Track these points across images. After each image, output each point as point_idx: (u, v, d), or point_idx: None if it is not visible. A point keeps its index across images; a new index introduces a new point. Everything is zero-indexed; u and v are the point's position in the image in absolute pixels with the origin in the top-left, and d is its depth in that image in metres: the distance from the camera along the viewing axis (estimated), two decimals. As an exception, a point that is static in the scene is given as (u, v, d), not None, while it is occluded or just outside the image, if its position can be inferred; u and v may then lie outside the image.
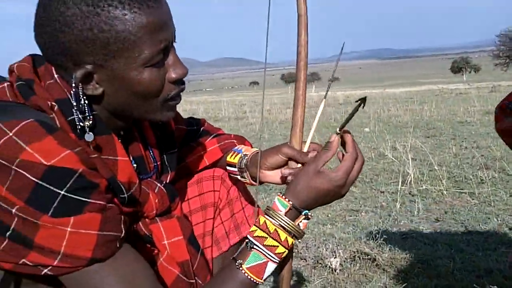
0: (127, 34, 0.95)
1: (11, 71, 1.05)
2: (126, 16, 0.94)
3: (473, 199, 3.81)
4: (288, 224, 1.07)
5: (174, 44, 1.06)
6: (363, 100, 1.07)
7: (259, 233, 1.07)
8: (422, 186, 4.17)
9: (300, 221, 1.09)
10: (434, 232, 3.16)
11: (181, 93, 1.10)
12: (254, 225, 1.09)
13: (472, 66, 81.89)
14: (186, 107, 17.81)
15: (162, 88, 1.03)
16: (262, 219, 1.09)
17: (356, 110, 1.06)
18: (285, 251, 1.08)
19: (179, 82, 1.07)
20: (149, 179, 1.17)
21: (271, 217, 1.08)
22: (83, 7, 0.93)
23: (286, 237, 1.07)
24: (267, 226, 1.07)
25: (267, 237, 1.07)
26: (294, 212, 1.09)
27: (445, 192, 3.99)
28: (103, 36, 0.94)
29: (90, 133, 0.99)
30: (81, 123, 0.98)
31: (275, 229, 1.07)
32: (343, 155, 1.10)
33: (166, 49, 1.01)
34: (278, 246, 1.07)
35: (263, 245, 1.06)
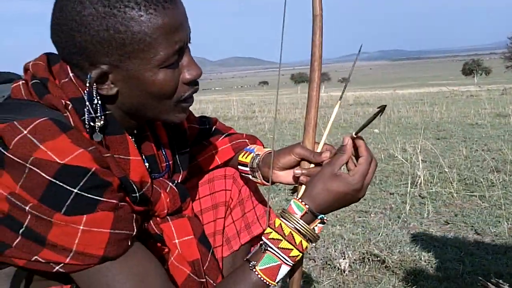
0: (143, 35, 0.95)
1: (26, 69, 1.06)
2: (142, 17, 0.94)
3: (483, 202, 3.79)
4: (304, 227, 1.07)
5: (189, 45, 1.07)
6: (382, 108, 1.06)
7: (274, 235, 1.08)
8: (432, 188, 4.15)
9: (316, 225, 1.09)
10: (443, 235, 3.15)
11: (193, 95, 1.10)
12: (269, 227, 1.10)
13: (483, 68, 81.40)
14: (196, 106, 17.84)
15: (176, 89, 1.03)
16: (277, 221, 1.09)
17: (374, 117, 1.06)
18: (299, 254, 1.08)
19: (193, 83, 1.07)
20: (161, 178, 1.17)
21: (286, 220, 1.08)
22: (99, 8, 0.94)
23: (301, 240, 1.08)
24: (282, 228, 1.08)
25: (282, 240, 1.07)
26: (310, 216, 1.09)
27: (455, 194, 3.97)
28: (119, 37, 0.95)
29: (99, 133, 1.00)
30: (91, 123, 0.99)
31: (290, 232, 1.07)
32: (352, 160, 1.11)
33: (181, 50, 1.02)
34: (292, 249, 1.07)
35: (278, 248, 1.07)
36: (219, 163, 1.41)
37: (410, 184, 4.09)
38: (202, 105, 19.62)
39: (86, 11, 0.94)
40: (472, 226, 3.27)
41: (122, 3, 0.94)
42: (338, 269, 2.63)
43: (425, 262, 2.69)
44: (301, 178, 1.16)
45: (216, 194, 1.39)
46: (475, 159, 5.38)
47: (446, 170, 4.55)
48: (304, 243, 1.08)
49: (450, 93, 20.66)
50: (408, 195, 3.89)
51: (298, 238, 1.07)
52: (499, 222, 3.30)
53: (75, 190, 0.89)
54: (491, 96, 17.06)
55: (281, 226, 1.08)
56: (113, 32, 0.94)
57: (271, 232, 1.08)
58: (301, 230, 1.07)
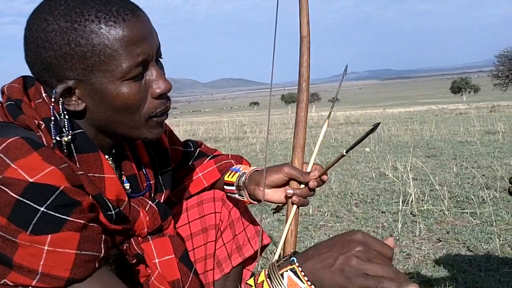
0: (103, 47, 0.96)
1: (2, 92, 1.07)
2: (101, 29, 0.96)
3: (474, 219, 3.79)
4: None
5: (161, 60, 1.07)
6: (376, 126, 1.01)
7: None
8: (423, 206, 4.16)
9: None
10: (436, 252, 3.15)
11: (168, 111, 1.10)
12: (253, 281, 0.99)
13: (471, 86, 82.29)
14: (187, 128, 17.83)
15: (142, 103, 1.03)
16: (262, 277, 0.98)
17: (367, 134, 1.02)
18: None
19: (163, 98, 1.07)
20: (140, 197, 1.17)
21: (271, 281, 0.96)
22: (62, 23, 0.95)
23: None
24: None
25: None
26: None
27: (446, 212, 3.97)
28: (80, 50, 0.96)
29: (66, 150, 0.99)
30: (57, 137, 0.99)
31: None
32: None
33: (145, 62, 1.01)
34: None
35: None
36: (206, 185, 1.41)
37: (402, 202, 4.09)
38: (194, 126, 19.60)
39: (50, 27, 0.96)
40: (464, 243, 3.27)
41: (83, 17, 0.95)
42: (331, 289, 2.61)
43: (418, 280, 2.68)
44: (293, 198, 1.16)
45: (205, 218, 1.39)
46: (466, 176, 5.40)
47: (437, 188, 4.57)
48: None
49: (440, 111, 20.82)
50: (399, 213, 3.89)
51: None
52: (491, 238, 3.30)
53: (42, 209, 0.88)
54: (480, 113, 17.20)
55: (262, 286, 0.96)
56: (74, 46, 0.95)
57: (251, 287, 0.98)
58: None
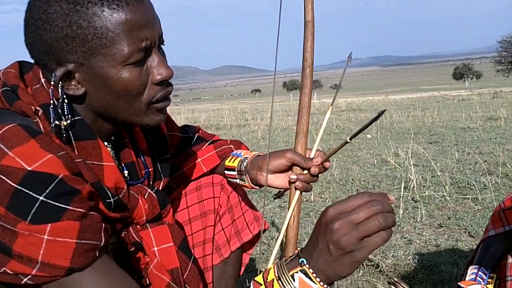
0: (105, 30, 0.95)
1: None
2: (104, 12, 0.94)
3: (476, 205, 3.80)
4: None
5: (163, 47, 1.06)
6: (381, 113, 0.98)
7: None
8: (425, 192, 4.16)
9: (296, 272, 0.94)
10: (437, 238, 3.15)
11: (169, 96, 1.09)
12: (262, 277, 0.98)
13: (474, 72, 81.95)
14: (188, 115, 17.79)
15: (143, 89, 1.02)
16: (271, 275, 0.96)
17: (371, 122, 1.00)
18: None
19: (165, 84, 1.05)
20: (139, 185, 1.16)
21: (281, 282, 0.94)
22: (64, 5, 0.93)
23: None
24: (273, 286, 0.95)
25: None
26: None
27: (448, 198, 3.98)
28: (81, 33, 0.94)
29: (65, 133, 0.98)
30: (56, 122, 0.97)
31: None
32: None
33: (148, 48, 1.00)
34: None
35: None
36: (205, 171, 1.40)
37: (403, 188, 4.09)
38: (195, 114, 19.57)
39: (51, 9, 0.94)
40: (466, 229, 3.28)
41: (86, 0, 0.94)
42: (333, 274, 2.62)
43: (419, 265, 2.69)
44: (297, 183, 1.14)
45: (204, 202, 1.38)
46: (467, 162, 5.40)
47: (439, 174, 4.57)
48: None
49: (442, 98, 20.76)
50: (401, 199, 3.89)
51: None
52: (492, 224, 3.31)
53: (41, 198, 0.87)
54: (482, 99, 17.15)
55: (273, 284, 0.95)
56: (75, 28, 0.94)
57: (261, 285, 0.96)
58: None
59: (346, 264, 0.88)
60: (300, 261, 0.93)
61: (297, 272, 0.92)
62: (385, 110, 1.02)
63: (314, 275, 0.90)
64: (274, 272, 0.94)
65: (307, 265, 0.91)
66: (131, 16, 0.96)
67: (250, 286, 0.96)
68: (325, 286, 0.91)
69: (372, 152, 6.48)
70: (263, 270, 0.98)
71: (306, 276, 0.91)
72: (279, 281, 0.92)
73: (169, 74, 1.04)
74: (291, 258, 0.96)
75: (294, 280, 0.91)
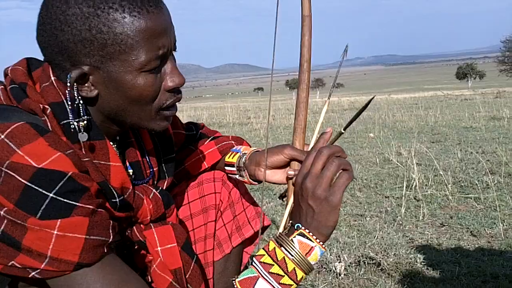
0: (124, 36, 0.95)
1: (5, 74, 1.05)
2: (125, 19, 0.94)
3: (478, 204, 3.79)
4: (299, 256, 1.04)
5: (174, 53, 1.06)
6: (370, 100, 1.09)
7: (266, 259, 1.04)
8: (427, 191, 4.15)
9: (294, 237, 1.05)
10: (439, 237, 3.14)
11: (177, 103, 1.10)
12: (263, 249, 1.07)
13: (477, 72, 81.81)
14: (191, 113, 17.82)
15: (156, 95, 1.03)
16: (272, 245, 1.06)
17: (362, 110, 1.07)
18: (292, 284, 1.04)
19: (175, 91, 1.06)
20: (144, 184, 1.16)
21: (284, 248, 1.04)
22: (84, 8, 0.94)
23: (294, 268, 1.04)
24: (276, 254, 1.04)
25: (273, 265, 1.04)
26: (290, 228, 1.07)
27: (450, 197, 3.97)
28: (101, 37, 0.94)
29: (85, 133, 0.99)
30: (75, 123, 0.98)
31: (284, 257, 1.04)
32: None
33: (164, 56, 1.01)
34: (283, 276, 1.03)
35: (268, 272, 1.03)
36: (207, 166, 1.40)
37: (405, 187, 4.08)
38: (197, 112, 19.59)
39: (71, 11, 0.94)
40: (468, 228, 3.27)
41: (107, 4, 0.94)
42: (334, 272, 2.62)
43: (420, 264, 2.69)
44: (294, 178, 1.15)
45: (205, 198, 1.38)
46: (470, 162, 5.39)
47: (441, 173, 4.56)
48: (299, 273, 1.04)
49: (445, 97, 20.74)
50: (403, 198, 3.88)
51: (291, 265, 1.03)
52: (495, 223, 3.30)
53: (51, 195, 0.88)
54: (485, 99, 17.11)
55: (275, 251, 1.04)
56: (95, 32, 0.94)
57: (264, 255, 1.05)
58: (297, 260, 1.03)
59: (327, 212, 1.02)
60: (296, 226, 1.04)
61: (295, 237, 1.04)
62: (374, 96, 1.13)
63: (311, 234, 1.03)
64: (274, 243, 1.05)
65: (302, 227, 1.04)
66: (151, 24, 0.96)
67: (253, 260, 1.05)
68: (321, 243, 1.04)
69: (375, 151, 6.47)
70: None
71: (304, 237, 1.03)
72: (282, 247, 1.03)
73: (181, 82, 1.05)
74: (286, 230, 1.08)
75: (294, 243, 1.03)
